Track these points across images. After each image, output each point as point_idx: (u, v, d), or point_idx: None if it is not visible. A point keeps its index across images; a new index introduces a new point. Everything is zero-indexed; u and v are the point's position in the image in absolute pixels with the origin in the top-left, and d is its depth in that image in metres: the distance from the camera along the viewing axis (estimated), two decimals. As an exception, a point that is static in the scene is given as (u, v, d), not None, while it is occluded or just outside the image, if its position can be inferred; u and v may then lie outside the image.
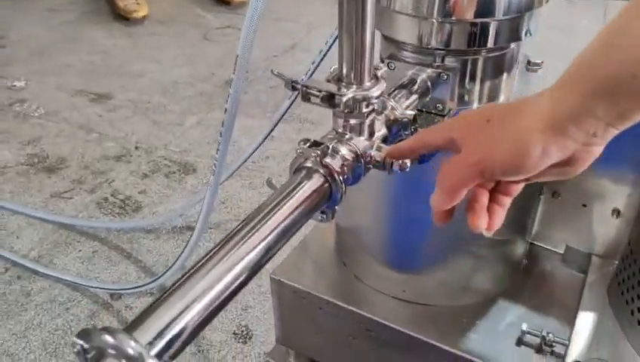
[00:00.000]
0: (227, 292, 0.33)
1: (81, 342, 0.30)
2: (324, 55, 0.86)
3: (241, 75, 0.73)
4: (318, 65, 0.87)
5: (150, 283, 1.02)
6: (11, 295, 1.11)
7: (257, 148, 1.03)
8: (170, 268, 0.97)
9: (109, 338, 0.29)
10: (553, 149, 0.37)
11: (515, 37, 0.54)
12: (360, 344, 0.69)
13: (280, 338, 0.78)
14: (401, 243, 0.67)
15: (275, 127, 0.99)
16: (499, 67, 0.57)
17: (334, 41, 0.83)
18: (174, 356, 0.30)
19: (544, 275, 0.72)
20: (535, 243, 0.75)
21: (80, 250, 1.23)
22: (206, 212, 0.87)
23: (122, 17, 2.58)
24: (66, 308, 1.08)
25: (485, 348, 0.62)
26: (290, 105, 0.95)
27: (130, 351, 0.28)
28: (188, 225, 1.30)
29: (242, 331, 1.03)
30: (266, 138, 1.01)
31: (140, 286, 1.05)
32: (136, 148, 1.61)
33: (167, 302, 0.32)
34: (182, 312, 0.31)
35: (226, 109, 0.78)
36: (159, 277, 1.00)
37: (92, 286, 1.12)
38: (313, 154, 0.41)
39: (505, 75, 0.59)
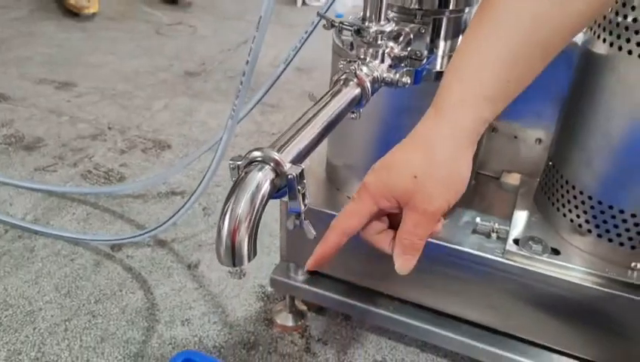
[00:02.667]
0: (313, 137, 0.52)
1: (233, 163, 0.48)
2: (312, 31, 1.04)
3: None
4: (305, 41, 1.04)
5: (153, 229, 1.16)
6: (16, 251, 1.21)
7: (245, 115, 1.19)
8: (177, 212, 1.12)
9: (257, 153, 0.47)
10: (471, 158, 0.48)
11: (468, 2, 0.76)
12: (353, 248, 0.89)
13: (285, 255, 0.96)
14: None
15: (265, 93, 1.16)
16: (458, 26, 0.79)
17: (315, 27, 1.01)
18: (300, 161, 0.48)
19: (488, 192, 0.95)
20: (480, 171, 0.98)
21: (74, 213, 1.34)
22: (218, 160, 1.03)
23: (72, 13, 2.65)
24: (70, 259, 1.20)
25: (450, 236, 0.83)
26: (279, 77, 1.13)
27: (275, 156, 0.46)
28: (172, 191, 1.44)
29: (236, 270, 1.19)
30: (255, 104, 1.17)
31: (141, 234, 1.19)
32: (109, 128, 1.73)
33: (291, 132, 0.50)
34: (299, 139, 0.49)
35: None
36: (164, 223, 1.14)
37: (93, 240, 1.24)
38: (350, 69, 0.61)
39: (461, 34, 0.81)
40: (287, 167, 0.46)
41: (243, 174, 0.46)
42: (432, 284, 0.87)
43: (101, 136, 1.68)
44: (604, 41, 0.69)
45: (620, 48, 0.67)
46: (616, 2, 0.66)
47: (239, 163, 0.47)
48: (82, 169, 1.51)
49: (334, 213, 0.88)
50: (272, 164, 0.46)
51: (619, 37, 0.67)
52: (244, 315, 1.07)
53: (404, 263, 0.50)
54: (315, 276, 0.98)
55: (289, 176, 0.45)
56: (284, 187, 0.46)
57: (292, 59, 1.09)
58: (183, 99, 1.93)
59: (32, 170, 1.50)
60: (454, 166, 0.47)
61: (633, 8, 0.64)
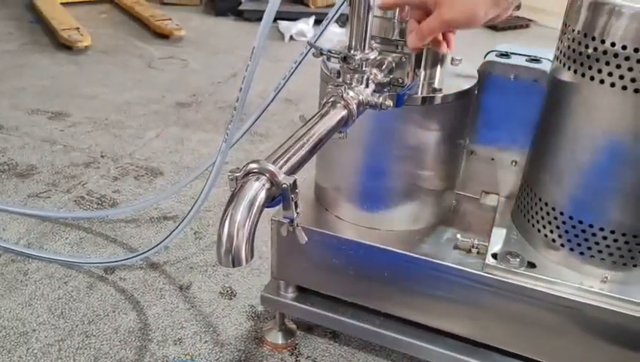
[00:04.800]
0: (304, 152, 0.57)
1: (231, 174, 0.53)
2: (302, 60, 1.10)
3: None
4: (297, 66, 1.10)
5: (146, 251, 1.19)
6: (10, 274, 1.23)
7: (242, 136, 1.24)
8: (169, 234, 1.15)
9: (253, 165, 0.51)
10: (490, 13, 0.71)
11: (447, 35, 0.83)
12: (341, 264, 0.93)
13: (275, 272, 1.00)
14: (371, 192, 0.92)
15: (255, 121, 1.21)
16: (436, 56, 0.85)
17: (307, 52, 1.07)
18: (293, 173, 0.53)
19: (468, 212, 1.00)
20: (460, 192, 1.04)
21: (67, 238, 1.37)
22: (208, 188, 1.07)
23: (65, 47, 2.71)
24: (64, 281, 1.22)
25: (433, 252, 0.88)
26: (268, 105, 1.19)
27: (270, 168, 0.51)
28: (164, 216, 1.47)
29: (227, 291, 1.22)
30: (252, 123, 1.21)
31: (134, 256, 1.22)
32: (102, 156, 1.77)
33: (284, 147, 0.55)
34: (292, 153, 0.54)
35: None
36: (156, 245, 1.18)
37: (86, 263, 1.27)
38: (337, 92, 0.66)
39: (439, 63, 0.87)
40: (282, 177, 0.51)
41: (241, 184, 0.50)
42: (417, 299, 0.91)
43: (94, 164, 1.71)
44: (569, 68, 0.75)
45: (584, 75, 0.73)
46: (579, 33, 0.73)
47: (237, 174, 0.52)
48: (75, 195, 1.55)
49: (324, 231, 0.92)
50: (267, 175, 0.51)
51: (582, 65, 0.73)
52: (235, 334, 1.10)
53: (409, 39, 0.76)
54: (304, 293, 1.01)
55: (283, 186, 0.50)
56: (278, 196, 0.51)
57: (281, 88, 1.15)
58: (175, 128, 1.98)
59: (26, 196, 1.53)
60: (478, 9, 0.71)
61: (594, 39, 0.71)
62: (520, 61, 0.91)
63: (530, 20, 3.42)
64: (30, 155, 1.74)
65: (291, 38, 3.05)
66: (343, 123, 0.67)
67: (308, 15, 3.21)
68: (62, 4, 3.31)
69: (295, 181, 0.51)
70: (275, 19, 3.41)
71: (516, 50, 0.95)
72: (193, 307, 1.17)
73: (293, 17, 3.19)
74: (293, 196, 0.51)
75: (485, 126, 0.97)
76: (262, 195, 0.49)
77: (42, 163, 1.70)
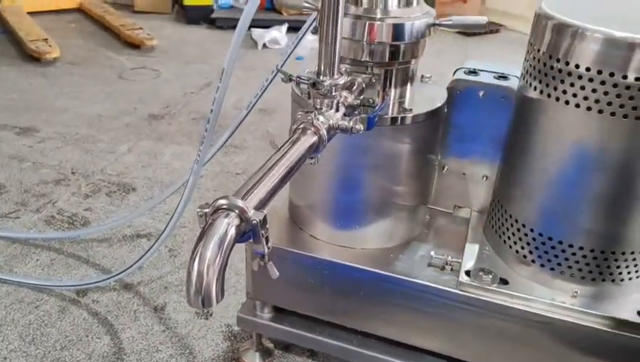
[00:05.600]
0: (275, 183, 0.56)
1: (200, 210, 0.52)
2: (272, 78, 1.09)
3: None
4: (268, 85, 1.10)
5: (119, 273, 1.17)
6: (-22, 299, 1.20)
7: (216, 151, 1.22)
8: (143, 255, 1.14)
9: (222, 201, 0.51)
10: None
11: (415, 55, 0.84)
12: (316, 284, 0.93)
13: (251, 293, 0.99)
14: (344, 211, 0.92)
15: (228, 138, 1.20)
16: (406, 75, 0.86)
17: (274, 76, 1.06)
18: (262, 207, 0.52)
19: (441, 227, 1.01)
20: (433, 207, 1.04)
21: (37, 260, 1.34)
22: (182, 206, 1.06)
23: (33, 58, 2.66)
24: (35, 306, 1.19)
25: (407, 270, 0.88)
26: (241, 122, 1.18)
27: (239, 204, 0.50)
28: (137, 234, 1.45)
29: (203, 311, 1.20)
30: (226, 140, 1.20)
31: (107, 279, 1.20)
32: (72, 173, 1.73)
33: (254, 180, 0.55)
34: (262, 186, 0.54)
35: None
36: (130, 267, 1.16)
37: (57, 286, 1.24)
38: (307, 119, 0.66)
39: (409, 82, 0.88)
40: (251, 213, 0.50)
41: (210, 221, 0.50)
42: (393, 317, 0.91)
43: (65, 181, 1.68)
44: (535, 88, 0.76)
45: (549, 95, 0.74)
46: (543, 54, 0.74)
47: (206, 210, 0.51)
48: (45, 215, 1.51)
49: (299, 251, 0.92)
50: (237, 211, 0.50)
51: (547, 85, 0.74)
52: (212, 355, 1.09)
53: None
54: (281, 313, 1.01)
55: (253, 222, 0.49)
56: (248, 231, 0.51)
57: (254, 105, 1.14)
58: (147, 142, 1.96)
59: (-6, 217, 1.49)
60: None
61: (558, 60, 0.72)
62: (488, 78, 0.92)
63: (500, 25, 3.47)
64: (-2, 174, 1.70)
65: (264, 45, 3.04)
66: (314, 149, 0.67)
67: (281, 23, 3.21)
68: (29, 13, 3.25)
69: (265, 217, 0.50)
70: (248, 27, 3.38)
71: (484, 66, 0.96)
72: (169, 329, 1.15)
73: (266, 25, 3.18)
74: (263, 232, 0.50)
75: (456, 141, 0.98)
76: (232, 232, 0.49)
77: (10, 181, 1.66)
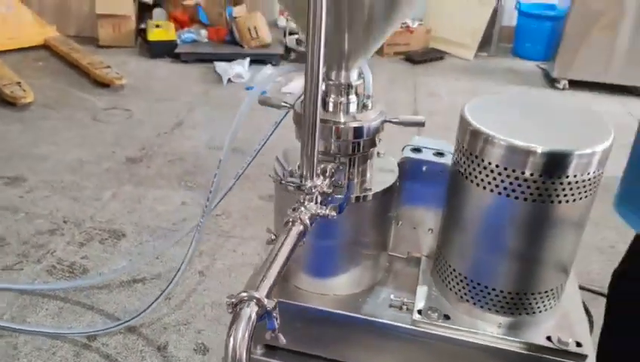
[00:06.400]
0: (278, 271, 0.79)
1: (229, 300, 0.74)
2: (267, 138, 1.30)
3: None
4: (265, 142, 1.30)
5: (129, 320, 1.36)
6: (0, 349, 1.36)
7: (218, 202, 1.42)
8: (152, 304, 1.33)
9: (244, 294, 0.73)
10: None
11: (372, 145, 1.07)
12: (303, 326, 1.15)
13: (245, 334, 1.20)
14: (320, 266, 1.15)
15: (220, 201, 1.40)
16: (365, 160, 1.09)
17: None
18: (272, 290, 0.74)
19: (399, 271, 1.25)
20: (392, 253, 1.28)
21: (47, 309, 1.51)
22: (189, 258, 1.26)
23: (8, 103, 2.77)
24: (52, 352, 1.37)
25: (372, 311, 1.12)
26: (230, 189, 1.39)
27: (256, 295, 0.72)
28: (133, 279, 1.64)
29: (200, 347, 1.41)
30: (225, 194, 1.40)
31: (117, 326, 1.38)
32: (64, 222, 1.89)
33: (263, 271, 0.77)
34: (269, 276, 0.76)
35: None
36: (139, 314, 1.35)
37: (71, 334, 1.42)
38: (294, 215, 0.88)
39: (368, 165, 1.12)
40: (266, 302, 0.72)
41: (237, 310, 0.71)
42: (364, 347, 1.14)
43: (59, 231, 1.84)
44: (461, 172, 1.01)
45: (472, 181, 0.99)
46: (466, 150, 0.98)
47: (233, 300, 0.73)
48: (47, 265, 1.68)
49: (286, 300, 1.14)
50: (254, 301, 0.72)
51: (469, 173, 0.99)
52: (213, 386, 1.30)
53: None
54: (273, 349, 1.22)
55: (268, 309, 0.72)
56: (264, 314, 0.73)
57: (243, 172, 1.35)
58: (129, 187, 2.13)
59: (0, 269, 1.65)
60: None
61: (476, 157, 0.96)
62: (428, 156, 1.16)
63: (444, 53, 3.78)
64: (-5, 226, 1.85)
65: (229, 80, 3.23)
66: (302, 236, 0.89)
67: (243, 57, 3.41)
68: (-4, 52, 3.34)
69: (276, 303, 0.72)
70: (211, 60, 3.57)
71: (426, 143, 1.20)
72: (171, 365, 1.35)
73: (228, 58, 3.38)
74: (275, 314, 0.72)
75: (407, 202, 1.22)
76: (253, 318, 0.71)
77: (9, 233, 1.81)
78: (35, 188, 2.09)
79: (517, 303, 1.05)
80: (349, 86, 1.02)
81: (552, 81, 3.56)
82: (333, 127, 1.02)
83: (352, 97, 1.04)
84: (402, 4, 0.94)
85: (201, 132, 2.55)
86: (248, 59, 3.38)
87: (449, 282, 1.12)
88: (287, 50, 3.68)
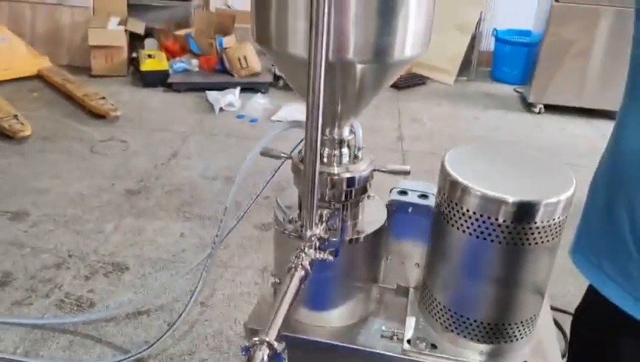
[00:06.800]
0: (284, 314, 0.89)
1: (243, 344, 0.85)
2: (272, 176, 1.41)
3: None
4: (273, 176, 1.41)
5: (141, 352, 1.46)
6: (16, 384, 1.45)
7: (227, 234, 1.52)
8: (164, 335, 1.42)
9: (256, 338, 0.83)
10: None
11: (364, 192, 1.19)
12: (299, 356, 1.26)
13: (249, 364, 1.30)
14: (318, 302, 1.26)
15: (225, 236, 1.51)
16: (357, 205, 1.21)
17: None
18: (281, 332, 0.85)
19: (390, 302, 1.36)
20: (382, 285, 1.40)
21: (58, 342, 1.59)
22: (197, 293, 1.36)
23: (7, 136, 2.85)
24: (66, 385, 1.46)
25: (365, 341, 1.23)
26: (234, 226, 1.49)
27: (267, 339, 0.83)
28: (138, 311, 1.73)
29: (205, 375, 1.50)
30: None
31: (127, 358, 1.48)
32: (69, 256, 1.98)
33: (271, 315, 0.87)
34: (277, 318, 0.87)
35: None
36: (150, 346, 1.44)
37: (83, 366, 1.50)
38: (296, 261, 0.99)
39: (360, 209, 1.23)
40: (276, 344, 0.83)
41: (251, 353, 0.82)
42: (358, 375, 1.25)
43: (64, 265, 1.93)
44: (441, 216, 1.13)
45: (452, 225, 1.11)
46: (446, 197, 1.10)
47: (247, 344, 0.84)
48: (55, 299, 1.76)
49: (288, 334, 1.25)
50: (266, 344, 0.83)
51: (450, 217, 1.11)
52: (219, 413, 1.39)
53: None
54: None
55: (278, 352, 0.82)
56: (274, 356, 0.84)
57: (248, 210, 1.46)
58: (130, 219, 2.23)
59: (10, 304, 1.73)
60: None
61: (456, 204, 1.09)
62: (414, 198, 1.28)
63: (426, 78, 3.93)
64: (2, 261, 1.93)
65: (221, 109, 3.35)
66: (304, 280, 1.00)
67: (234, 85, 3.53)
68: (-10, 84, 3.42)
69: (285, 346, 0.83)
70: (202, 89, 3.69)
71: (412, 186, 1.32)
72: (180, 393, 1.45)
73: (219, 87, 3.50)
74: (284, 355, 0.83)
75: (395, 238, 1.34)
76: (265, 359, 0.82)
77: (16, 268, 1.89)
78: (38, 222, 2.17)
79: (496, 332, 1.17)
80: (342, 141, 1.14)
81: (528, 106, 3.72)
82: (328, 178, 1.14)
83: (345, 150, 1.16)
84: (390, 74, 1.06)
85: (196, 162, 2.65)
86: (239, 87, 3.50)
87: (435, 313, 1.23)
88: (276, 77, 3.81)
